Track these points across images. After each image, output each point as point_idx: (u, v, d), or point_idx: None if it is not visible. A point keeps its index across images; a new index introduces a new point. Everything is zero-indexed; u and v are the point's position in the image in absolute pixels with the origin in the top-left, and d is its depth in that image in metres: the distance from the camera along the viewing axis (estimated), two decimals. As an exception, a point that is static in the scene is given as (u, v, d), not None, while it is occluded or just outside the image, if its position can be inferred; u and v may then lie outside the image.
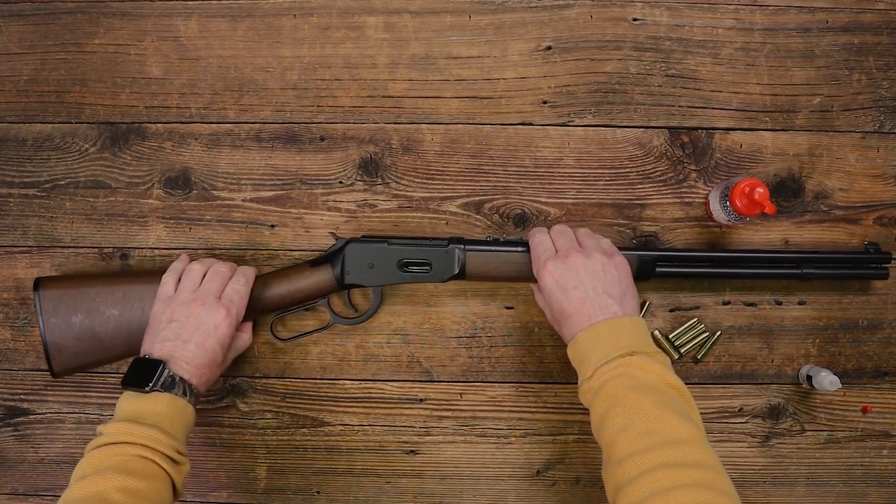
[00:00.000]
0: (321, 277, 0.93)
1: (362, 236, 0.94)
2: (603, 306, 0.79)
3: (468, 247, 0.91)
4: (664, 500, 0.64)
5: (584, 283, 0.80)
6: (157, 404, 0.79)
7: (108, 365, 0.96)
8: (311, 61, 0.98)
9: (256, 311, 0.93)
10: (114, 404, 0.99)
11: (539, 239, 0.87)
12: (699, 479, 0.66)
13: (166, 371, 0.81)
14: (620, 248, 0.88)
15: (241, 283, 0.89)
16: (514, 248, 0.91)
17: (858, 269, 0.95)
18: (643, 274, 0.92)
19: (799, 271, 0.93)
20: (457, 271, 0.92)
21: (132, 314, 0.91)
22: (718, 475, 0.67)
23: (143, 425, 0.77)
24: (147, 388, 0.79)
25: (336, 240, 0.93)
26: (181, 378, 0.81)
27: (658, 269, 0.92)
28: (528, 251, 0.89)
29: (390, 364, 1.00)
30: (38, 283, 0.91)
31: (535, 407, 1.00)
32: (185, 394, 0.81)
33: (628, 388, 0.73)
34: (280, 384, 1.00)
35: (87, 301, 0.90)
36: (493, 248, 0.91)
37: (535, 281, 0.88)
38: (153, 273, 0.94)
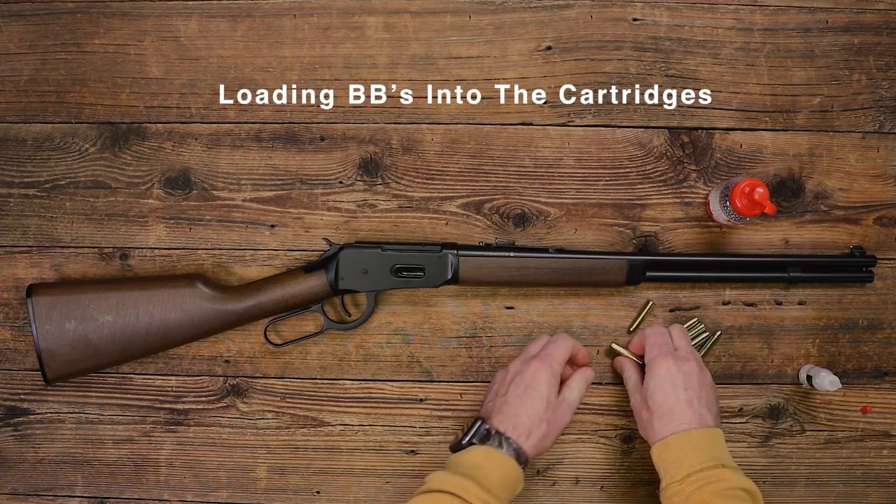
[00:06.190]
0: (315, 283, 0.93)
1: (356, 242, 0.94)
2: (701, 416, 0.87)
3: (461, 252, 0.92)
4: None
5: (693, 390, 0.88)
6: (472, 456, 0.83)
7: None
8: (311, 61, 0.98)
9: (251, 316, 0.93)
10: (113, 404, 1.00)
11: (659, 331, 0.94)
12: None
13: (481, 425, 0.85)
14: (616, 251, 0.94)
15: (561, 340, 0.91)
16: (506, 254, 0.92)
17: (844, 272, 0.97)
18: (633, 279, 0.94)
19: (786, 275, 0.95)
20: (450, 276, 0.93)
21: (126, 321, 0.90)
22: None
23: (456, 474, 0.81)
24: (464, 442, 0.85)
25: (330, 245, 0.94)
26: (497, 431, 0.84)
27: (648, 275, 0.94)
28: (521, 256, 0.92)
29: (390, 364, 1.00)
30: (31, 290, 0.91)
31: (535, 407, 1.00)
32: (500, 446, 0.83)
33: (716, 494, 0.82)
34: (280, 384, 1.00)
35: (80, 308, 0.90)
36: (486, 253, 0.92)
37: (526, 285, 0.93)
38: (147, 279, 0.94)
